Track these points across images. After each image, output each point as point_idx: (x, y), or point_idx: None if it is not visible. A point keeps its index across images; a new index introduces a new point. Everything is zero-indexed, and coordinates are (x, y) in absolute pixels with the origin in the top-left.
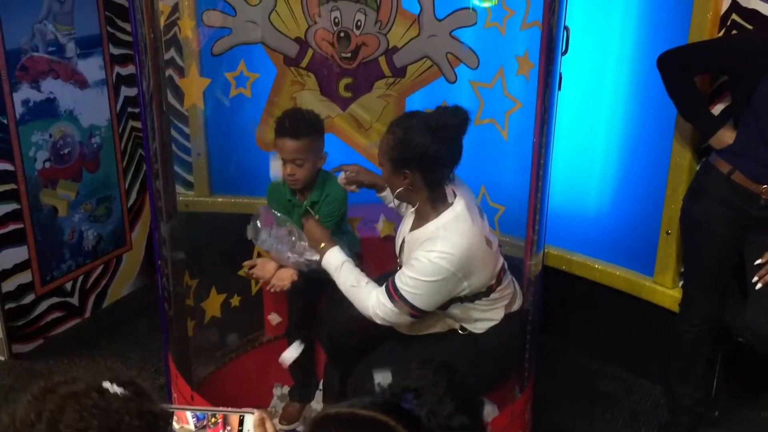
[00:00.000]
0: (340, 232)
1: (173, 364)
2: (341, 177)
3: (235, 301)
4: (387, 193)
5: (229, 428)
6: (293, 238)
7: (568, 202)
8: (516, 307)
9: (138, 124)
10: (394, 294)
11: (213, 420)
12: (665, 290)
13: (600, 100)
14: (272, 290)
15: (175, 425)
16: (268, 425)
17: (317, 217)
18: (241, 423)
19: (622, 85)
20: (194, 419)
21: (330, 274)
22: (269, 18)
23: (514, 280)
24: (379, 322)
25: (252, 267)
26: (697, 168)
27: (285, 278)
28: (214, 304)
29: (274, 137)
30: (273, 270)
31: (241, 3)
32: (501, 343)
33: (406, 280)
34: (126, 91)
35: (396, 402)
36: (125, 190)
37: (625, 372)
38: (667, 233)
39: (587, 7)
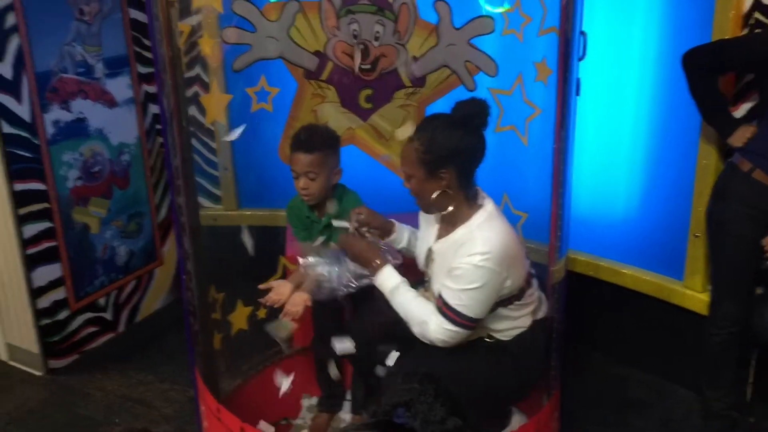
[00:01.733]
0: None
1: (200, 377)
2: (351, 223)
3: (262, 313)
4: (395, 236)
5: None
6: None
7: (596, 207)
8: (541, 314)
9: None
10: (450, 313)
11: None
12: (695, 294)
13: (624, 103)
14: (285, 318)
15: None
16: None
17: (365, 230)
18: None
19: (646, 87)
20: None
21: (384, 294)
22: (288, 33)
23: (539, 288)
24: (442, 345)
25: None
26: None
27: (298, 303)
28: (240, 317)
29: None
30: (288, 293)
31: (260, 19)
32: (527, 351)
33: (456, 294)
34: (154, 109)
35: (388, 419)
36: (155, 206)
37: (656, 378)
38: (696, 236)
39: (609, 10)
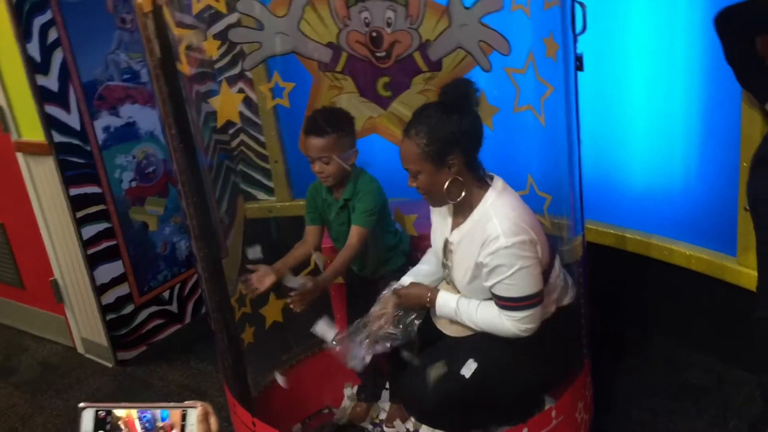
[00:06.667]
0: (381, 230)
1: (223, 372)
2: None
3: None
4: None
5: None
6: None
7: (651, 181)
8: (567, 300)
9: (220, 137)
10: (512, 304)
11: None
12: (750, 272)
13: (675, 69)
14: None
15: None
16: (212, 419)
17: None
18: (183, 418)
19: (696, 51)
20: (143, 429)
21: (451, 318)
22: (299, 27)
23: (566, 273)
24: (528, 334)
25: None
26: None
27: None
28: (274, 310)
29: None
30: (270, 284)
31: (268, 16)
32: (551, 339)
33: (506, 285)
34: (205, 107)
35: None
36: (215, 201)
37: (716, 361)
38: (746, 209)
39: None
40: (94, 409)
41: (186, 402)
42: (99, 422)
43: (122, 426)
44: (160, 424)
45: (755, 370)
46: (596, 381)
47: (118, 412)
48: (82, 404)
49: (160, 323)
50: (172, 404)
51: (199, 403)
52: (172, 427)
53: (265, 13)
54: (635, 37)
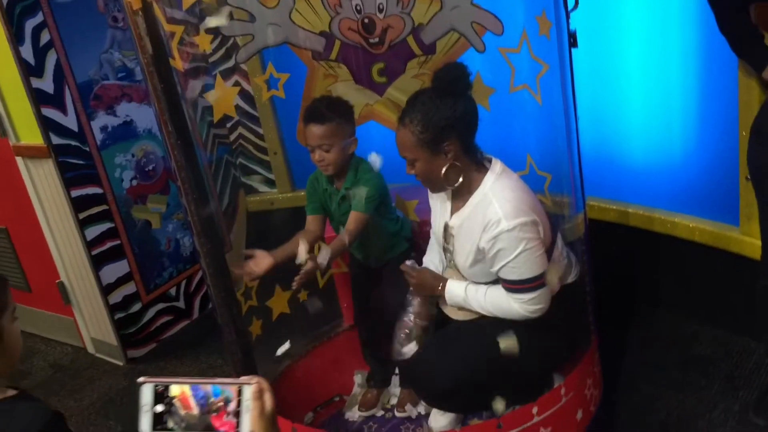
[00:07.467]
0: (381, 218)
1: (233, 365)
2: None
3: (303, 296)
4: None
5: (231, 405)
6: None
7: (650, 154)
8: (571, 278)
9: (218, 131)
10: (518, 286)
11: (215, 407)
12: (753, 241)
13: (669, 39)
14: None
15: (180, 411)
16: (267, 396)
17: (412, 262)
18: (239, 394)
19: (690, 20)
20: (198, 406)
21: (461, 306)
22: (290, 17)
23: (569, 251)
24: (538, 315)
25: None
26: None
27: (260, 265)
28: (281, 302)
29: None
30: (267, 267)
31: (259, 8)
32: (556, 318)
33: (511, 268)
34: (202, 102)
35: None
36: (217, 196)
37: (724, 332)
38: (747, 179)
39: None
40: (153, 384)
41: (242, 378)
42: (157, 396)
43: (178, 403)
44: (212, 399)
45: (760, 338)
46: (604, 356)
47: (173, 390)
48: (141, 379)
49: (168, 320)
50: (228, 380)
51: (255, 379)
52: (226, 403)
53: (256, 4)
54: (628, 10)
